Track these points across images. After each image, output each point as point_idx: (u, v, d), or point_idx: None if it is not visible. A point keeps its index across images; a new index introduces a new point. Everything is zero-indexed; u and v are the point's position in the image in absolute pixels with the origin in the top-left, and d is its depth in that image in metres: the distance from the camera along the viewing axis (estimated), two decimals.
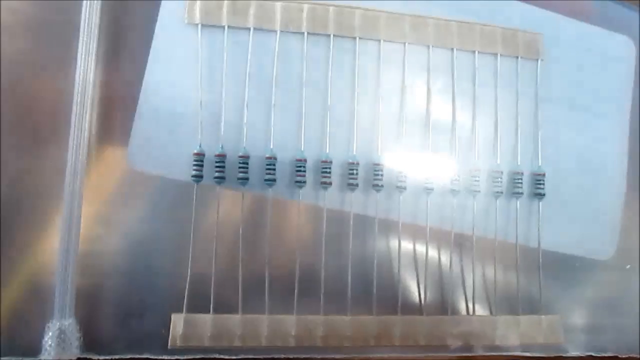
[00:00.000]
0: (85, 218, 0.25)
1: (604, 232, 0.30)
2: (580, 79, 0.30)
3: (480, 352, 0.28)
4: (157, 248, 0.26)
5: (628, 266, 0.30)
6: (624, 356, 0.29)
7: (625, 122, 0.31)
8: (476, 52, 0.29)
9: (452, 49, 0.29)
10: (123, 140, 0.26)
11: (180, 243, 0.26)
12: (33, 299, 0.25)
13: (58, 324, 0.24)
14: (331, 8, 0.27)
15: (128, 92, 0.26)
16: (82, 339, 0.24)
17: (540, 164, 0.29)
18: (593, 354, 0.29)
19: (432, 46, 0.28)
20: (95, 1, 0.26)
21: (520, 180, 0.28)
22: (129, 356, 0.25)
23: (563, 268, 0.29)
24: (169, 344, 0.25)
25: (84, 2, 0.25)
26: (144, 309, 0.25)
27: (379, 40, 0.28)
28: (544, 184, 0.29)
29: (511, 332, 0.28)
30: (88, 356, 0.25)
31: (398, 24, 0.28)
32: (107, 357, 0.25)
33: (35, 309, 0.24)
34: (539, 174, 0.29)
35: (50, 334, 0.24)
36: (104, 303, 0.25)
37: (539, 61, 0.30)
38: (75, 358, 0.24)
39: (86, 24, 0.25)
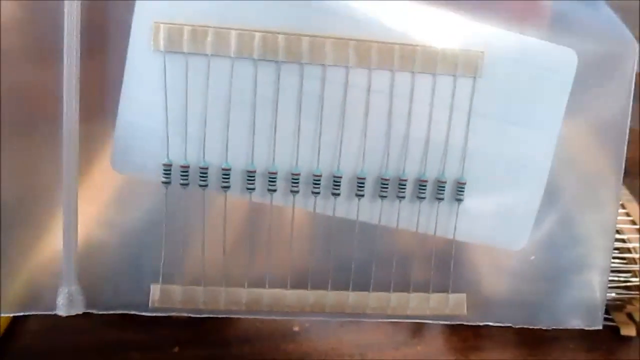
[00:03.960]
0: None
1: (518, 227, 0.35)
2: (515, 93, 0.33)
3: (394, 320, 0.35)
4: (142, 237, 0.33)
5: (532, 257, 0.35)
6: (517, 326, 0.36)
7: (556, 131, 0.34)
8: (414, 73, 0.32)
9: (392, 71, 0.32)
10: (107, 147, 0.32)
11: (157, 234, 0.33)
12: (49, 270, 0.33)
13: (67, 289, 0.32)
14: (280, 36, 0.31)
15: (110, 108, 0.31)
16: (85, 300, 0.33)
17: (463, 174, 0.33)
18: (490, 324, 0.36)
19: (374, 68, 0.31)
20: (75, 27, 0.30)
21: (443, 188, 0.33)
22: (120, 312, 0.34)
23: (476, 256, 0.35)
24: (149, 306, 0.33)
25: (65, 27, 0.30)
26: (131, 281, 0.33)
27: (324, 65, 0.31)
28: (463, 191, 0.33)
29: (422, 305, 0.35)
30: (90, 311, 0.33)
31: (342, 48, 0.31)
32: (104, 312, 0.33)
33: (49, 278, 0.33)
34: (461, 183, 0.33)
35: (61, 295, 0.32)
36: (101, 275, 0.33)
37: (476, 79, 0.32)
38: (81, 312, 0.33)
39: (67, 51, 0.30)
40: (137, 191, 0.33)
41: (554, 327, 0.36)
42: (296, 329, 0.34)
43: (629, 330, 0.40)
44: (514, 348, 0.33)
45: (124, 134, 0.32)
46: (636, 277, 0.39)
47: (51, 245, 0.32)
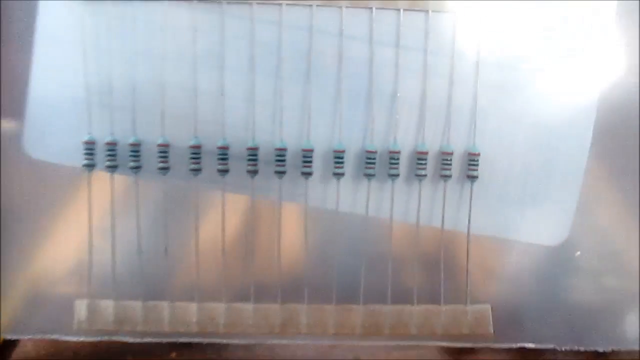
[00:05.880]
0: None
1: (555, 214, 0.26)
2: (541, 37, 0.25)
3: (393, 342, 0.27)
4: (60, 236, 0.26)
5: (577, 253, 0.26)
6: (563, 348, 0.27)
7: (596, 89, 0.26)
8: (401, 10, 0.24)
9: (372, 9, 0.24)
10: (18, 128, 0.25)
11: (80, 231, 0.26)
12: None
13: None
14: None
15: (19, 77, 0.25)
16: None
17: (474, 143, 0.25)
18: (527, 345, 0.27)
19: (346, 6, 0.24)
20: None
21: (449, 162, 0.25)
22: (39, 336, 0.26)
23: (501, 255, 0.27)
24: (74, 327, 0.26)
25: None
26: (54, 296, 0.26)
27: (280, 4, 0.24)
28: (477, 165, 0.25)
29: (432, 322, 0.26)
30: (6, 337, 0.26)
31: None
32: (22, 337, 0.26)
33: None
34: (473, 154, 0.25)
35: None
36: (15, 290, 0.26)
37: (483, 18, 0.25)
38: None
39: None
40: (56, 180, 0.26)
41: (614, 349, 0.27)
42: (268, 342, 0.27)
43: None
44: (507, 351, 0.27)
45: (38, 110, 0.25)
46: None
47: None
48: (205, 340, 0.27)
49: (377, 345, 0.27)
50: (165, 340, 0.26)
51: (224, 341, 0.26)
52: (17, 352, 0.28)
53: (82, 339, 0.26)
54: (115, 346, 0.29)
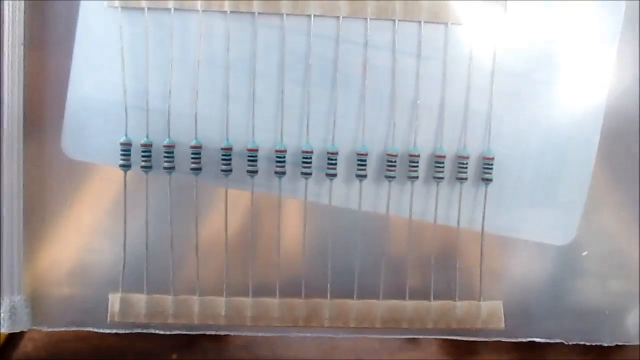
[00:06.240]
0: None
1: (563, 216, 0.28)
2: (549, 47, 0.27)
3: (411, 335, 0.28)
4: (97, 234, 0.27)
5: (584, 253, 0.28)
6: (570, 343, 0.28)
7: (603, 95, 0.27)
8: (422, 22, 0.26)
9: (395, 20, 0.26)
10: (57, 129, 0.27)
11: (116, 229, 0.27)
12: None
13: (8, 300, 0.27)
14: None
15: (58, 80, 0.26)
16: (31, 313, 0.27)
17: (489, 147, 0.27)
18: (536, 340, 0.28)
19: (371, 18, 0.26)
20: None
21: (465, 165, 0.27)
22: (73, 328, 0.28)
23: (512, 253, 0.28)
24: (107, 320, 0.27)
25: None
26: (88, 290, 0.27)
27: (310, 15, 0.26)
28: (492, 168, 0.27)
29: (447, 316, 0.27)
30: (38, 328, 0.27)
31: None
32: (55, 329, 0.28)
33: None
34: (488, 158, 0.27)
35: (2, 308, 0.27)
36: (51, 282, 0.27)
37: (500, 29, 0.26)
38: (26, 329, 0.27)
39: (10, 13, 0.26)
40: (93, 179, 0.27)
41: (619, 344, 0.28)
42: (292, 335, 0.29)
43: None
44: (507, 352, 0.29)
45: (76, 112, 0.27)
46: None
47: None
48: (232, 333, 0.28)
49: (379, 346, 0.29)
50: (193, 332, 0.28)
51: (250, 334, 0.28)
52: (17, 353, 0.29)
53: (114, 331, 0.27)
54: (115, 347, 0.30)
